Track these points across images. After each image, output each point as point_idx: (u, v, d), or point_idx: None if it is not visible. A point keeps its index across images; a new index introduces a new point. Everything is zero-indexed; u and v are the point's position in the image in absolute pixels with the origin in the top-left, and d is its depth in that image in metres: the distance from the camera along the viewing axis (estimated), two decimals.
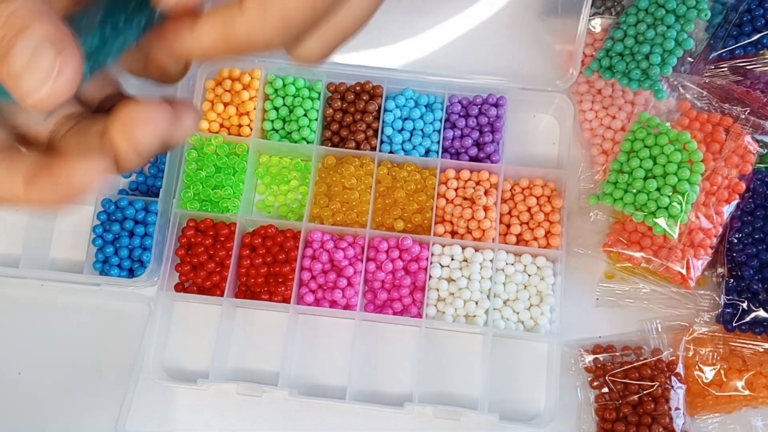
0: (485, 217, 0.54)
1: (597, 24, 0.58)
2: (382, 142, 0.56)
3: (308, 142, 0.56)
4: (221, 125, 0.57)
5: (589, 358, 0.52)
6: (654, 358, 0.52)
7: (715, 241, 0.52)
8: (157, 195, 0.56)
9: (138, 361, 0.52)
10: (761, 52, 0.57)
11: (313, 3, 0.24)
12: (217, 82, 0.57)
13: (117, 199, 0.55)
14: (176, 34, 0.26)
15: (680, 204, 0.50)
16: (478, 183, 0.56)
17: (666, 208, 0.50)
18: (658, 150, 0.51)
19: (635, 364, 0.51)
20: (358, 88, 0.57)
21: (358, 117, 0.56)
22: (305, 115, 0.57)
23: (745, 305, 0.51)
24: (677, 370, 0.51)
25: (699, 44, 0.57)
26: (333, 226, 0.54)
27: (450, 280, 0.54)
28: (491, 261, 0.54)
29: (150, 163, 0.57)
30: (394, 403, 0.51)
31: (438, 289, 0.54)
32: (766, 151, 0.54)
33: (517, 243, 0.55)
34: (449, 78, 0.57)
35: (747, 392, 0.51)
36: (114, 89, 0.30)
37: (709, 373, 0.52)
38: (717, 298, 0.53)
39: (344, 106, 0.57)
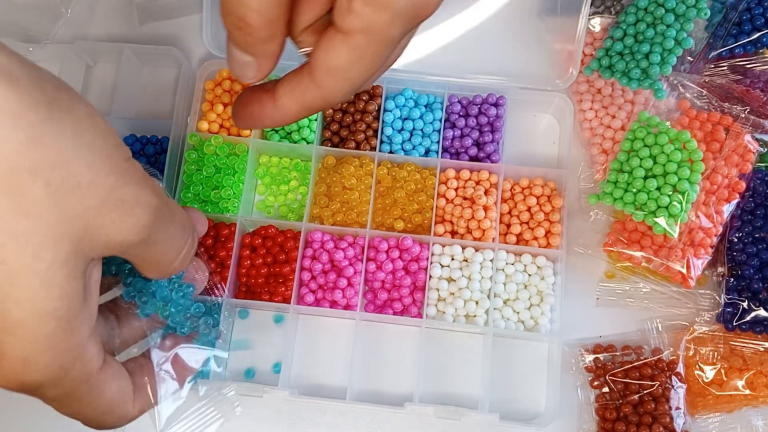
0: (485, 217, 0.54)
1: (596, 23, 0.58)
2: (381, 142, 0.56)
3: (308, 143, 0.56)
4: (221, 126, 0.57)
5: (590, 357, 0.52)
6: (654, 358, 0.52)
7: (715, 240, 0.52)
8: None
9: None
10: (761, 50, 0.57)
11: (371, 67, 0.28)
12: (216, 83, 0.57)
13: None
14: (262, 109, 0.31)
15: (680, 203, 0.50)
16: (478, 183, 0.56)
17: (666, 208, 0.50)
18: (658, 149, 0.51)
19: (636, 363, 0.51)
20: None
21: (358, 117, 0.56)
22: None
23: (745, 304, 0.51)
24: (678, 370, 0.51)
25: (699, 43, 0.57)
26: (333, 226, 0.54)
27: (450, 280, 0.54)
28: (491, 261, 0.54)
29: (150, 163, 0.57)
30: (395, 403, 0.51)
31: (438, 289, 0.54)
32: (766, 150, 0.54)
33: (518, 243, 0.55)
34: (449, 78, 0.57)
35: (747, 391, 0.51)
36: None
37: (709, 372, 0.52)
38: (717, 298, 0.53)
39: (344, 106, 0.57)
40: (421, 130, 0.57)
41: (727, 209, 0.52)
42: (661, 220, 0.50)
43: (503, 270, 0.54)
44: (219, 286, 0.45)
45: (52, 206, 0.24)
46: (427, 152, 0.57)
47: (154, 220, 0.28)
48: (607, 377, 0.51)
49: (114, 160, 0.26)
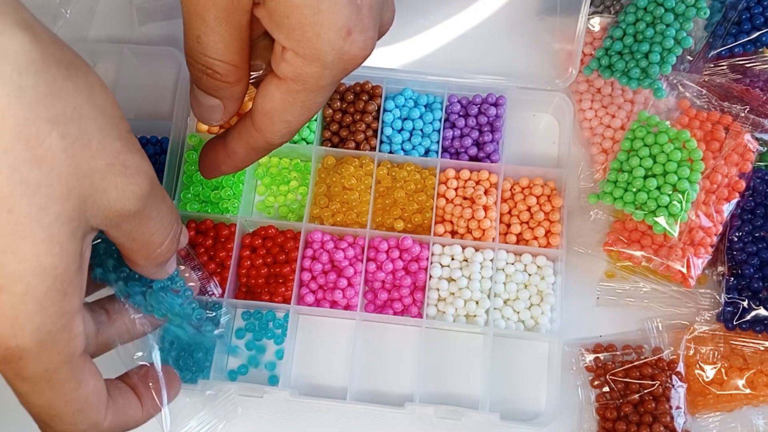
0: (485, 217, 0.54)
1: (596, 23, 0.58)
2: (381, 142, 0.56)
3: (308, 143, 0.56)
4: (220, 126, 0.56)
5: (590, 357, 0.52)
6: (655, 357, 0.52)
7: (715, 239, 0.52)
8: None
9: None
10: (760, 50, 0.57)
11: (303, 111, 0.31)
12: None
13: None
14: (217, 157, 0.35)
15: (680, 202, 0.50)
16: (477, 182, 0.56)
17: (666, 207, 0.50)
18: (658, 148, 0.51)
19: (636, 363, 0.51)
20: (357, 88, 0.57)
21: (358, 117, 0.56)
22: None
23: (745, 304, 0.51)
24: (678, 369, 0.51)
25: (698, 42, 0.57)
26: (333, 227, 0.54)
27: (450, 279, 0.54)
28: (491, 260, 0.54)
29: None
30: (395, 403, 0.51)
31: (438, 289, 0.54)
32: (766, 149, 0.54)
33: (518, 242, 0.55)
34: (448, 78, 0.57)
35: (748, 391, 0.51)
36: None
37: (709, 371, 0.52)
38: (717, 297, 0.53)
39: (343, 106, 0.57)
40: (421, 130, 0.57)
41: (727, 208, 0.52)
42: (661, 220, 0.50)
43: (503, 270, 0.54)
44: (214, 283, 0.45)
45: (65, 160, 0.25)
46: (426, 152, 0.57)
47: (150, 191, 0.28)
48: (607, 377, 0.51)
49: (120, 128, 0.27)
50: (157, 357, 0.37)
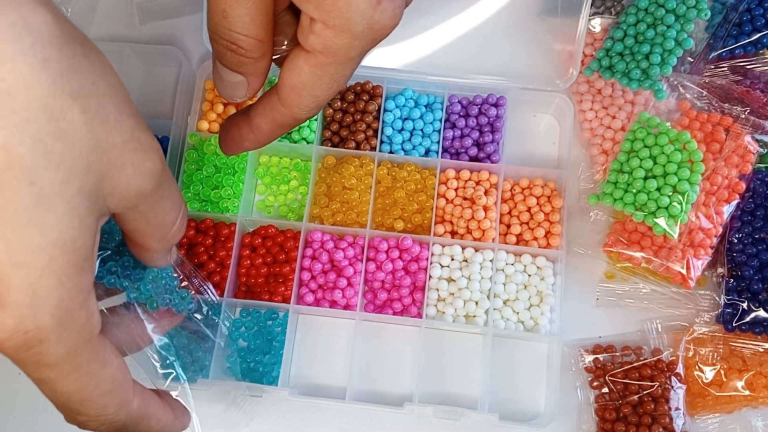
0: (485, 217, 0.54)
1: (597, 24, 0.58)
2: (382, 142, 0.56)
3: (308, 142, 0.56)
4: (221, 125, 0.57)
5: (589, 358, 0.52)
6: (654, 358, 0.52)
7: (715, 241, 0.52)
8: None
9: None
10: (761, 51, 0.57)
11: (332, 84, 0.30)
12: None
13: None
14: (240, 132, 0.34)
15: (680, 204, 0.50)
16: (478, 183, 0.56)
17: (666, 208, 0.50)
18: (658, 150, 0.51)
19: (635, 364, 0.51)
20: (357, 88, 0.57)
21: (358, 117, 0.56)
22: None
23: (745, 305, 0.51)
24: (677, 371, 0.51)
25: (699, 44, 0.57)
26: (333, 226, 0.54)
27: (450, 280, 0.54)
28: (491, 261, 0.54)
29: None
30: (394, 403, 0.51)
31: (438, 289, 0.54)
32: (766, 150, 0.54)
33: (517, 243, 0.55)
34: (449, 78, 0.57)
35: (747, 392, 0.51)
36: None
37: (709, 373, 0.52)
38: (717, 298, 0.53)
39: (344, 106, 0.57)
40: (421, 130, 0.57)
41: (727, 210, 0.52)
42: (661, 221, 0.50)
43: (503, 270, 0.54)
44: (206, 288, 0.44)
45: (85, 134, 0.25)
46: (427, 152, 0.57)
47: (163, 168, 0.28)
48: (606, 378, 0.51)
49: (131, 106, 0.28)
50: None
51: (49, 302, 0.24)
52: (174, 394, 0.35)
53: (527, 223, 0.55)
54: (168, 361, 0.39)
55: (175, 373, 0.38)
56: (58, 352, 0.26)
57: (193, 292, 0.40)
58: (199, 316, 0.41)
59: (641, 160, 0.52)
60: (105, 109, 0.26)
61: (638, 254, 0.52)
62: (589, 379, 0.52)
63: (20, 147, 0.23)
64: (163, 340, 0.42)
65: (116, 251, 0.35)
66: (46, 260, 0.24)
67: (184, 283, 0.39)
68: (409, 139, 0.57)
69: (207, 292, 0.41)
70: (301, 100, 0.31)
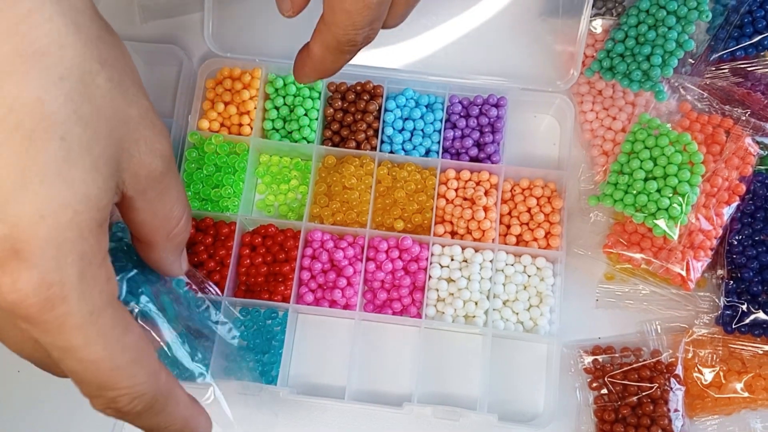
0: (485, 218, 0.54)
1: (598, 25, 0.58)
2: (382, 142, 0.56)
3: (308, 142, 0.56)
4: (221, 124, 0.57)
5: (589, 359, 0.52)
6: (653, 360, 0.52)
7: (715, 242, 0.52)
8: None
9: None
10: (762, 53, 0.57)
11: (369, 5, 0.31)
12: (217, 81, 0.57)
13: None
14: (302, 60, 0.36)
15: (680, 205, 0.50)
16: (478, 183, 0.56)
17: (666, 210, 0.50)
18: (659, 151, 0.51)
19: (634, 365, 0.51)
20: (358, 87, 0.57)
21: (359, 117, 0.56)
22: (306, 114, 0.57)
23: (744, 307, 0.51)
24: (676, 372, 0.51)
25: (700, 45, 0.57)
26: (333, 226, 0.54)
27: (450, 280, 0.54)
28: (491, 261, 0.54)
29: None
30: (393, 403, 0.51)
31: (438, 290, 0.54)
32: (766, 152, 0.54)
33: (517, 243, 0.55)
34: (450, 78, 0.57)
35: (746, 394, 0.51)
36: None
37: (708, 374, 0.52)
38: (716, 300, 0.53)
39: (345, 105, 0.57)
40: (422, 130, 0.57)
41: (727, 212, 0.52)
42: (661, 222, 0.50)
43: (503, 271, 0.54)
44: (209, 286, 0.44)
45: (110, 101, 0.26)
46: (427, 152, 0.57)
47: (171, 155, 0.29)
48: (605, 379, 0.51)
49: (144, 90, 0.29)
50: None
51: (73, 255, 0.24)
52: (206, 399, 0.36)
53: (527, 224, 0.55)
54: (184, 361, 0.38)
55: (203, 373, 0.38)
56: (82, 311, 0.25)
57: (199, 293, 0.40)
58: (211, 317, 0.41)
59: (641, 161, 0.52)
60: (125, 83, 0.27)
61: (638, 255, 0.52)
62: (589, 380, 0.52)
63: (53, 103, 0.24)
64: (180, 340, 0.42)
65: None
66: (71, 214, 0.24)
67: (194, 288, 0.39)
68: (410, 139, 0.57)
69: (210, 291, 0.41)
70: (335, 15, 0.32)
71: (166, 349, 0.35)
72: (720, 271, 0.53)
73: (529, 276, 0.54)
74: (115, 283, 0.27)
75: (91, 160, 0.25)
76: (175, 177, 0.30)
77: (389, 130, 0.56)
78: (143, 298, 0.34)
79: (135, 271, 0.34)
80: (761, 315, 0.51)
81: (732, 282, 0.52)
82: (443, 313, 0.53)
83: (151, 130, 0.28)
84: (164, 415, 0.30)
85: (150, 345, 0.29)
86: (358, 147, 0.56)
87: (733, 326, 0.51)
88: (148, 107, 0.28)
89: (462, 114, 0.57)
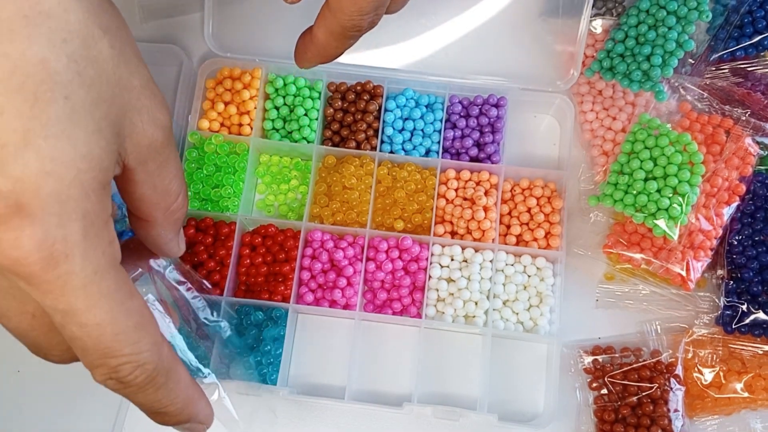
0: (485, 218, 0.54)
1: (598, 25, 0.58)
2: (382, 141, 0.56)
3: (309, 142, 0.56)
4: (221, 124, 0.57)
5: (589, 359, 0.53)
6: (653, 360, 0.52)
7: (715, 242, 0.52)
8: None
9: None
10: (762, 53, 0.57)
11: None
12: (217, 81, 0.57)
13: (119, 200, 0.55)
14: (304, 45, 0.36)
15: (680, 205, 0.50)
16: (478, 183, 0.56)
17: (666, 210, 0.50)
18: (659, 151, 0.51)
19: (634, 365, 0.51)
20: (358, 87, 0.57)
21: (359, 117, 0.56)
22: (306, 114, 0.57)
23: (744, 307, 0.51)
24: (676, 372, 0.51)
25: (700, 46, 0.57)
26: (333, 226, 0.54)
27: (450, 280, 0.54)
28: (491, 261, 0.54)
29: None
30: (393, 403, 0.51)
31: (437, 290, 0.54)
32: (766, 153, 0.54)
33: (517, 244, 0.55)
34: (450, 78, 0.57)
35: (746, 394, 0.51)
36: None
37: (708, 375, 0.52)
38: (717, 300, 0.53)
39: (345, 105, 0.57)
40: (422, 130, 0.57)
41: (727, 212, 0.52)
42: (661, 222, 0.50)
43: (503, 271, 0.54)
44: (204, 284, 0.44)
45: (112, 66, 0.26)
46: (427, 152, 0.57)
47: (170, 127, 0.29)
48: (605, 379, 0.51)
49: (144, 62, 0.29)
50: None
51: (76, 213, 0.24)
52: (212, 398, 0.35)
53: (527, 224, 0.55)
54: (187, 355, 0.39)
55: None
56: (85, 270, 0.25)
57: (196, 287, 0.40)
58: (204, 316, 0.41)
59: (641, 161, 0.52)
60: (127, 52, 0.27)
61: (638, 256, 0.52)
62: (588, 380, 0.52)
63: (57, 63, 0.24)
64: (181, 335, 0.42)
65: None
66: (75, 171, 0.24)
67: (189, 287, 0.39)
68: (410, 139, 0.57)
69: (207, 290, 0.41)
70: (341, 1, 0.32)
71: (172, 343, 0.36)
72: (720, 271, 0.53)
73: (529, 276, 0.54)
74: (117, 247, 0.27)
75: (94, 121, 0.25)
76: (173, 150, 0.30)
77: (389, 130, 0.56)
78: (150, 297, 0.35)
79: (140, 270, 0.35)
80: (761, 315, 0.51)
81: (732, 282, 0.52)
82: (443, 313, 0.53)
83: (152, 100, 0.28)
84: (165, 391, 0.29)
85: (152, 315, 0.29)
86: (358, 147, 0.56)
87: (733, 326, 0.51)
88: (149, 78, 0.29)
89: (462, 114, 0.57)
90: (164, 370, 0.29)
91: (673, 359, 0.52)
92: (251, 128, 0.56)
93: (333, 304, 0.53)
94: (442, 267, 0.54)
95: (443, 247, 0.54)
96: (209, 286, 0.43)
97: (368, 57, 0.57)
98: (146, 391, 0.28)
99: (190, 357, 0.37)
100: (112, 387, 0.28)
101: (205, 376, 0.38)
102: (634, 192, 0.51)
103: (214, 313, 0.41)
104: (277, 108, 0.57)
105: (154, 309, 0.35)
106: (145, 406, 0.30)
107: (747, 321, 0.51)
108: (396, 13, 0.36)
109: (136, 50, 0.28)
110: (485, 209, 0.54)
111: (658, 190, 0.51)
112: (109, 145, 0.26)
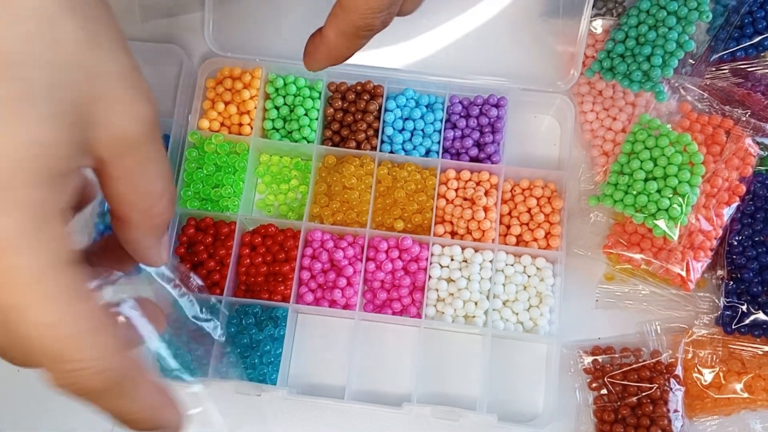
0: (485, 218, 0.54)
1: (598, 25, 0.58)
2: (382, 141, 0.56)
3: (309, 142, 0.56)
4: (222, 124, 0.57)
5: (588, 359, 0.53)
6: (653, 360, 0.52)
7: (715, 243, 0.52)
8: None
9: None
10: (762, 54, 0.57)
11: None
12: (217, 81, 0.57)
13: None
14: (314, 46, 0.35)
15: (680, 206, 0.50)
16: (478, 183, 0.56)
17: (666, 210, 0.50)
18: (659, 152, 0.51)
19: (634, 365, 0.51)
20: (359, 87, 0.57)
21: (359, 117, 0.56)
22: (306, 114, 0.57)
23: (744, 308, 0.51)
24: (676, 372, 0.51)
25: (700, 46, 0.57)
26: (333, 226, 0.54)
27: (449, 280, 0.54)
28: (491, 262, 0.54)
29: None
30: (393, 403, 0.51)
31: (437, 290, 0.54)
32: (766, 153, 0.54)
33: (517, 244, 0.55)
34: (450, 78, 0.57)
35: (746, 395, 0.51)
36: None
37: (707, 375, 0.52)
38: (716, 301, 0.53)
39: (345, 105, 0.57)
40: (422, 130, 0.57)
41: (727, 212, 0.52)
42: (661, 223, 0.50)
43: (503, 271, 0.54)
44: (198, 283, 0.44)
45: (80, 50, 0.24)
46: (427, 152, 0.57)
47: (154, 121, 0.27)
48: (605, 379, 0.51)
49: (127, 47, 0.27)
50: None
51: (24, 200, 0.23)
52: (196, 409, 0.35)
53: (527, 224, 0.55)
54: (168, 361, 0.38)
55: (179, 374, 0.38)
56: (30, 264, 0.23)
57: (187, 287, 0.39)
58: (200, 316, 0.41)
59: (642, 161, 0.52)
60: (101, 36, 0.25)
61: (638, 256, 0.52)
62: (588, 380, 0.52)
63: (10, 42, 0.23)
64: (163, 340, 0.42)
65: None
66: (23, 154, 0.23)
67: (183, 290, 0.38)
68: (410, 139, 0.57)
69: (195, 286, 0.41)
70: (356, 4, 0.32)
71: (151, 347, 0.35)
72: (720, 272, 0.53)
73: (529, 276, 0.54)
74: (72, 245, 0.25)
75: (51, 105, 0.23)
76: (157, 148, 0.28)
77: (389, 130, 0.56)
78: (124, 297, 0.33)
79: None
80: (761, 315, 0.51)
81: (732, 282, 0.52)
82: (443, 313, 0.53)
83: (130, 90, 0.26)
84: (129, 399, 0.27)
85: (114, 320, 0.27)
86: (358, 147, 0.56)
87: (733, 327, 0.51)
88: (130, 66, 0.26)
89: (462, 114, 0.57)
90: (128, 378, 0.26)
91: (672, 360, 0.52)
92: (251, 128, 0.56)
93: (333, 304, 0.53)
94: (442, 267, 0.54)
95: (443, 247, 0.54)
96: (200, 282, 0.43)
97: (368, 57, 0.57)
98: (106, 398, 0.26)
99: (170, 362, 0.36)
100: (73, 395, 0.26)
101: (189, 382, 0.38)
102: (634, 192, 0.51)
103: (204, 312, 0.40)
104: (277, 108, 0.57)
105: (131, 311, 0.33)
106: (109, 413, 0.27)
107: (747, 321, 0.51)
108: (409, 15, 0.35)
109: (118, 36, 0.26)
110: (485, 209, 0.54)
111: (658, 191, 0.51)
112: (67, 131, 0.24)
